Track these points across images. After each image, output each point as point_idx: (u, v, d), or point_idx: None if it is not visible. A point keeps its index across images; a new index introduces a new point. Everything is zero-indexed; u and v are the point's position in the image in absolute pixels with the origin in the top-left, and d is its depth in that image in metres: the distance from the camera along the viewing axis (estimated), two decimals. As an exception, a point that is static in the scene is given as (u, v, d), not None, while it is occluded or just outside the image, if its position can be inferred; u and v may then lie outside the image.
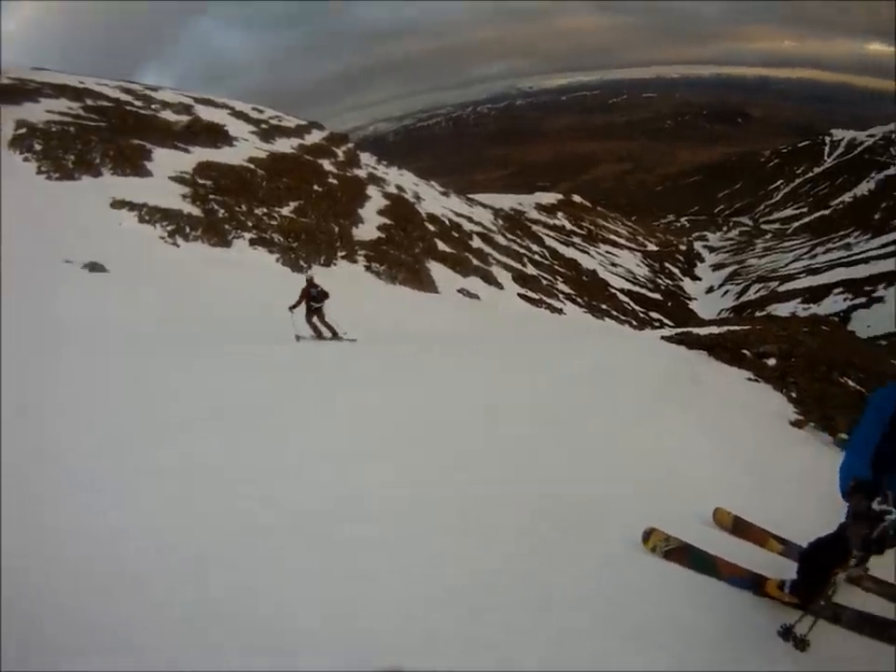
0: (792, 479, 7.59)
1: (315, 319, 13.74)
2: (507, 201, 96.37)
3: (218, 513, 4.64)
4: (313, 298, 13.49)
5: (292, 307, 13.34)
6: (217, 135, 40.12)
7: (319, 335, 13.76)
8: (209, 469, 5.38)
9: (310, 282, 13.64)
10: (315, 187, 40.67)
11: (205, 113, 45.31)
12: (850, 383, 13.83)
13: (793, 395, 12.41)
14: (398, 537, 4.74)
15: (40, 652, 3.09)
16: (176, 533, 4.32)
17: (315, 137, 54.75)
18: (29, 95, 34.57)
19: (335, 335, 13.79)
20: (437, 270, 39.08)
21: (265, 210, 32.88)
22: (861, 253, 79.50)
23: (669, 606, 4.37)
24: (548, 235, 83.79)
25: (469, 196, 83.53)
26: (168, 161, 33.05)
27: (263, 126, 50.03)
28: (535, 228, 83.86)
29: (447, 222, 54.67)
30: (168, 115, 42.41)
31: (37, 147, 28.73)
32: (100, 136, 31.87)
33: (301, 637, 3.43)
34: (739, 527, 5.74)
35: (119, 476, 5.03)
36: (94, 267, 18.26)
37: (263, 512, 4.77)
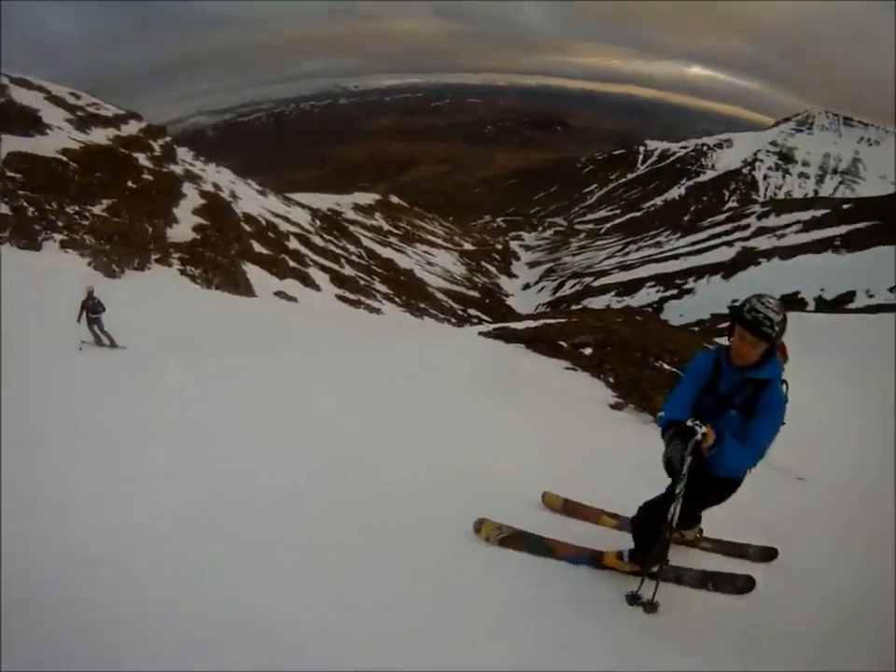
0: (617, 456, 7.79)
1: (95, 328, 14.72)
2: (325, 201, 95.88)
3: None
4: (91, 309, 14.45)
5: (78, 318, 14.34)
6: (29, 122, 37.57)
7: (99, 342, 14.77)
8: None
9: (89, 294, 14.58)
10: (130, 183, 39.31)
11: (20, 95, 42.06)
12: (665, 366, 13.75)
13: (611, 380, 12.44)
14: (218, 545, 4.85)
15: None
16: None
17: (131, 128, 52.62)
18: None
19: (112, 343, 14.87)
20: (253, 272, 38.70)
21: (77, 209, 31.67)
22: (671, 250, 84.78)
23: (510, 591, 4.55)
24: (365, 236, 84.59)
25: (287, 195, 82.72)
26: None
27: (79, 113, 47.40)
28: (352, 228, 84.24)
29: (264, 222, 54.40)
30: None
31: None
32: None
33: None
34: (570, 508, 5.89)
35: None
36: None
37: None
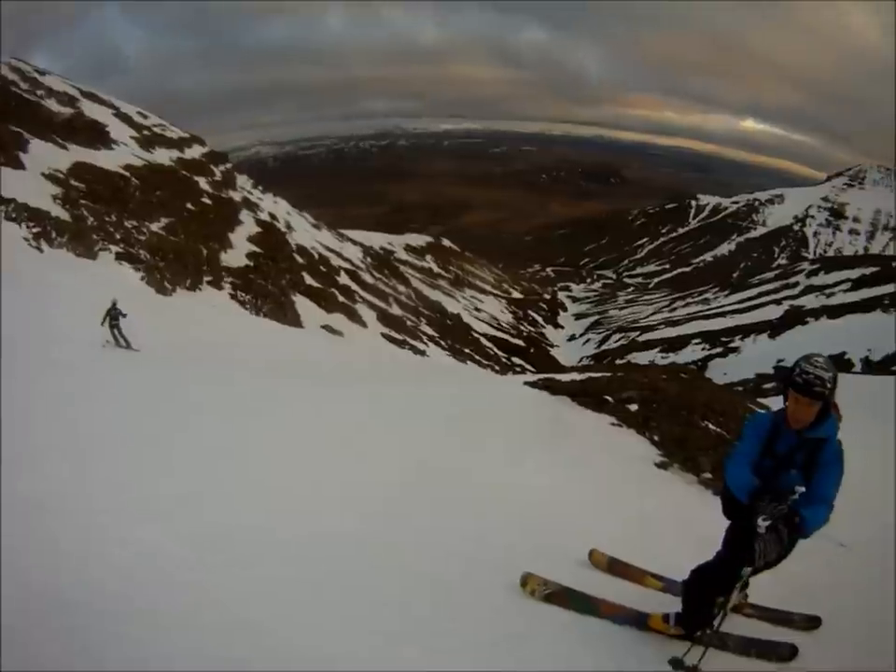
0: (661, 517, 7.78)
1: (115, 332, 16.12)
2: (377, 239, 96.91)
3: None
4: (113, 316, 15.92)
5: (102, 322, 15.75)
6: (97, 135, 38.65)
7: (117, 343, 16.11)
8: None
9: (113, 304, 16.06)
10: (189, 205, 39.88)
11: (89, 109, 43.62)
12: (711, 426, 13.71)
13: (656, 438, 12.36)
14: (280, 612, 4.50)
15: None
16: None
17: (194, 152, 53.58)
18: None
19: (128, 346, 16.19)
20: (302, 304, 38.66)
21: (135, 223, 31.98)
22: (718, 307, 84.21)
23: (553, 648, 4.47)
24: (415, 276, 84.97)
25: (341, 231, 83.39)
26: (44, 156, 31.60)
27: (145, 133, 48.70)
28: (402, 268, 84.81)
29: (316, 256, 54.49)
30: (52, 104, 40.66)
31: None
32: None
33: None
34: (616, 567, 5.84)
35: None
36: None
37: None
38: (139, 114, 52.94)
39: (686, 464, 10.72)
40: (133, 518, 5.38)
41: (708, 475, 10.11)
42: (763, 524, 3.86)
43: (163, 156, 46.66)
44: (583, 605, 4.94)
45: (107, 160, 36.30)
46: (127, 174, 35.85)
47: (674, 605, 4.69)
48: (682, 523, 7.07)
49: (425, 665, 3.96)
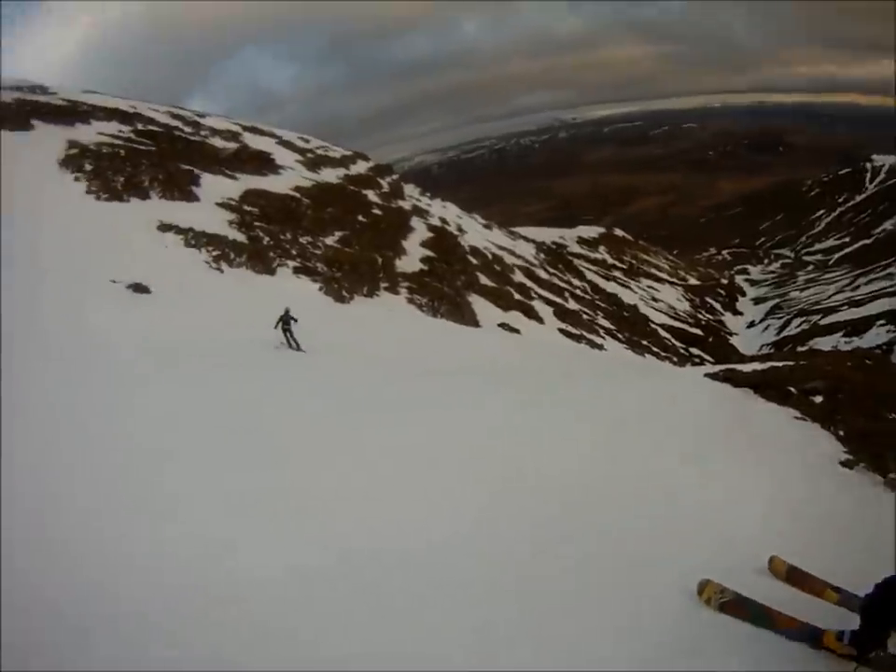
0: (845, 522, 7.46)
1: (287, 335, 17.26)
2: (549, 234, 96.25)
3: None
4: (285, 321, 17.13)
5: (275, 326, 17.02)
6: (263, 163, 40.30)
7: (289, 345, 17.19)
8: (231, 499, 5.68)
9: (286, 311, 17.24)
10: (360, 217, 40.74)
11: (252, 141, 45.65)
12: None
13: (841, 433, 12.29)
14: (444, 575, 4.91)
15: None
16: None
17: (360, 168, 54.72)
18: (81, 117, 35.13)
19: (298, 348, 17.18)
20: (478, 303, 38.72)
21: (309, 239, 32.83)
22: None
23: (723, 660, 4.29)
24: (589, 269, 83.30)
25: (512, 229, 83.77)
26: (215, 188, 33.12)
27: (309, 155, 50.14)
28: (576, 262, 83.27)
29: (489, 255, 54.40)
30: (216, 141, 42.73)
31: (88, 168, 28.92)
32: (149, 160, 32.04)
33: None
34: (794, 577, 5.64)
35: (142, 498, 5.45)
36: (138, 288, 18.58)
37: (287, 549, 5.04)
38: (301, 139, 54.86)
39: (872, 462, 10.50)
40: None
41: (894, 475, 9.85)
42: None
43: (330, 175, 47.87)
44: (759, 616, 4.78)
45: (277, 184, 37.73)
46: (297, 194, 37.08)
47: (848, 620, 4.43)
48: (865, 530, 6.85)
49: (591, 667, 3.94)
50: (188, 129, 43.84)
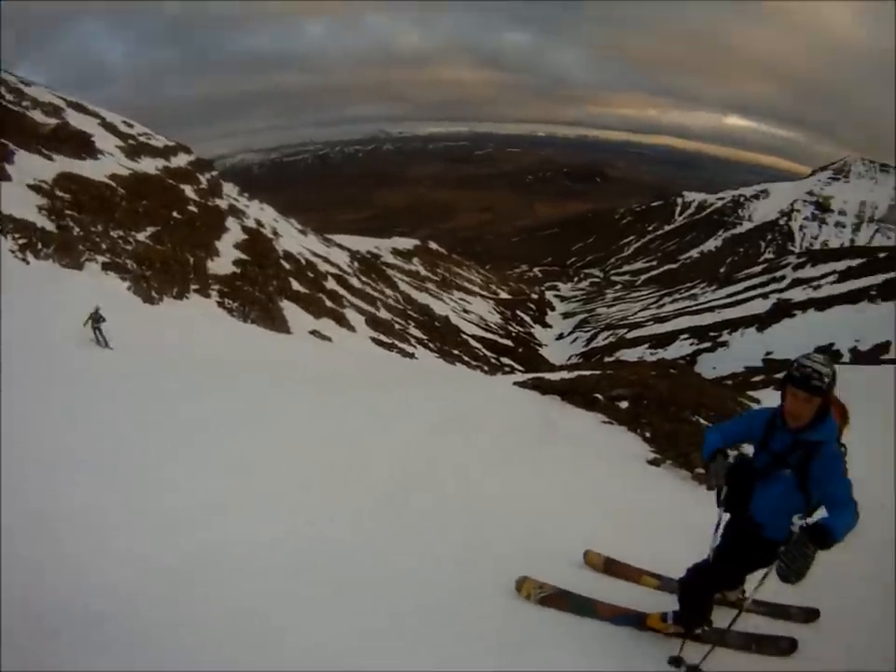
0: (656, 514, 7.84)
1: (96, 332, 16.99)
2: (364, 243, 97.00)
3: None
4: (95, 319, 16.86)
5: (84, 323, 16.76)
6: (83, 145, 38.32)
7: (98, 342, 16.88)
8: None
9: (96, 310, 16.95)
10: (175, 213, 39.69)
11: (75, 119, 43.23)
12: (702, 421, 14.07)
13: (647, 435, 12.71)
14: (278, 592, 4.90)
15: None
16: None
17: (180, 161, 53.27)
18: None
19: (106, 344, 16.88)
20: (290, 309, 38.65)
21: (121, 233, 31.81)
22: (707, 302, 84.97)
23: (551, 652, 4.49)
24: (402, 280, 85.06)
25: (327, 236, 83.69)
26: (29, 166, 31.35)
27: (131, 142, 48.25)
28: (390, 272, 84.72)
29: (303, 261, 54.42)
30: (37, 115, 40.11)
31: None
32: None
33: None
34: (612, 568, 5.89)
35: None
36: None
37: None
38: (125, 123, 52.57)
39: (678, 460, 10.87)
40: (135, 531, 5.52)
41: (701, 470, 9.98)
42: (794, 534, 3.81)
43: (149, 165, 46.28)
44: (581, 607, 5.03)
45: (94, 169, 36.11)
46: (113, 183, 35.60)
47: (670, 603, 4.76)
48: (676, 519, 7.14)
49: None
50: (9, 96, 40.76)
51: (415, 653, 4.26)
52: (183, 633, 4.08)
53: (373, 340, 44.34)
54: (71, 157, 35.84)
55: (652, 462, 11.02)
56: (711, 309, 76.45)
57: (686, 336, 64.05)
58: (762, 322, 59.98)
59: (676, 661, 4.32)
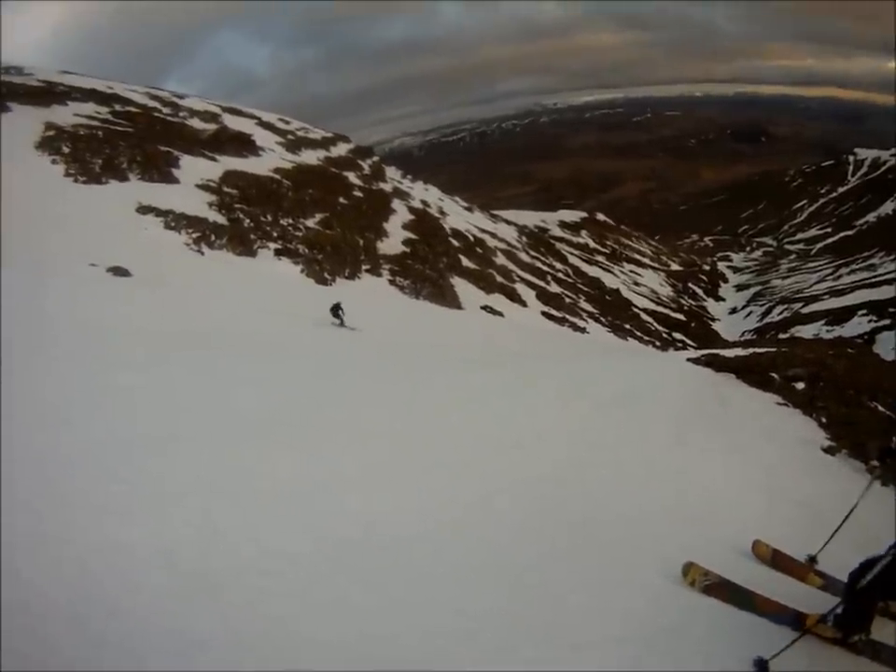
0: (828, 509, 7.06)
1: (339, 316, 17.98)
2: (531, 217, 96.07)
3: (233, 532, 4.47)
4: (337, 308, 17.83)
5: (330, 311, 17.85)
6: (243, 145, 40.02)
7: (342, 324, 17.78)
8: (225, 486, 5.18)
9: (338, 304, 17.96)
10: (341, 199, 40.57)
11: (232, 122, 45.23)
12: (880, 407, 13.54)
13: (823, 420, 12.30)
14: (433, 562, 4.67)
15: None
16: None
17: (340, 150, 54.56)
18: (57, 98, 34.57)
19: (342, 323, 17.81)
20: (461, 286, 38.84)
21: (290, 221, 32.68)
22: (885, 274, 78.32)
23: (706, 642, 4.27)
24: (571, 253, 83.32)
25: (493, 212, 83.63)
26: (195, 169, 32.78)
27: (290, 137, 49.84)
28: (558, 245, 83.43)
29: (471, 238, 54.44)
30: (195, 123, 42.30)
31: (65, 150, 28.56)
32: (128, 141, 31.67)
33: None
34: (778, 561, 5.66)
35: (129, 491, 4.76)
36: (118, 271, 18.08)
37: (284, 535, 4.65)
38: (281, 120, 54.35)
39: (854, 449, 10.50)
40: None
41: (876, 463, 9.13)
42: None
43: (311, 156, 47.68)
44: (742, 600, 4.80)
45: (257, 165, 37.39)
46: (277, 176, 36.73)
47: (830, 605, 4.35)
48: (851, 516, 6.27)
49: (576, 655, 3.87)
50: (166, 110, 43.25)
51: (567, 637, 4.03)
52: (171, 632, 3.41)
53: (544, 314, 43.63)
54: (233, 156, 37.54)
55: (827, 450, 10.70)
56: (890, 282, 68.44)
57: (864, 312, 57.45)
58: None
59: (760, 664, 3.89)
